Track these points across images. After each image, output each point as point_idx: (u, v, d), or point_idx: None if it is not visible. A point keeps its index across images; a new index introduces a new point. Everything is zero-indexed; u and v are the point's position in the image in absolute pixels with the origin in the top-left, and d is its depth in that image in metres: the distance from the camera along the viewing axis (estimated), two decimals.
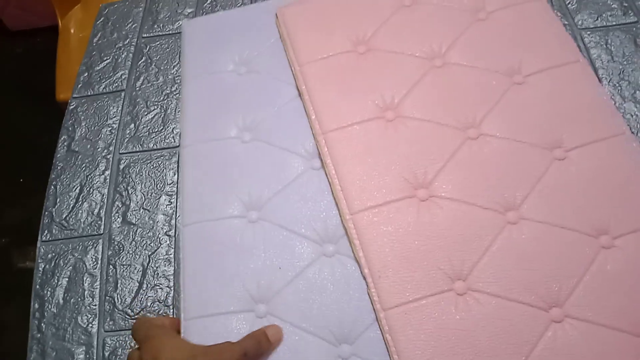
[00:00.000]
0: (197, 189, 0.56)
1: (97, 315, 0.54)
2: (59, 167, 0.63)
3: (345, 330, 0.47)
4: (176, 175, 0.60)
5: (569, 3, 0.66)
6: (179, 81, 0.67)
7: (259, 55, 0.65)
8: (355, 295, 0.49)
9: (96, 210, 0.59)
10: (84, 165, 0.63)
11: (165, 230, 0.57)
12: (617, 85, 0.59)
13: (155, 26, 0.74)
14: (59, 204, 0.60)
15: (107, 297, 0.54)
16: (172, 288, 0.54)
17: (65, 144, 0.65)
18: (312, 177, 0.55)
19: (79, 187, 0.61)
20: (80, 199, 0.60)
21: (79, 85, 0.70)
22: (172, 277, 0.54)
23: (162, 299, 0.53)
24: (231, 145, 0.58)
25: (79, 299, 0.55)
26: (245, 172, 0.56)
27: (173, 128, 0.64)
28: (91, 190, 0.61)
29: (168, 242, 0.56)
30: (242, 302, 0.50)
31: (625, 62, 0.60)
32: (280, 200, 0.54)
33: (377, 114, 0.57)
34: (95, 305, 0.54)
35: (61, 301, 0.55)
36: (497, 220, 0.50)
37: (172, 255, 0.55)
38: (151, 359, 0.40)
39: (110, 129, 0.65)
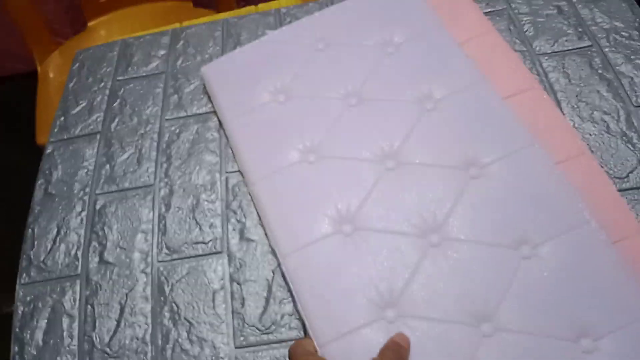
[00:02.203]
0: (283, 219, 0.56)
1: (77, 355, 0.54)
2: (36, 210, 0.64)
3: (480, 308, 0.48)
4: (151, 213, 0.61)
5: (526, 30, 0.69)
6: (152, 121, 0.69)
7: (292, 81, 0.66)
8: (477, 273, 0.50)
9: (73, 251, 0.60)
10: (60, 207, 0.64)
11: (142, 268, 0.58)
12: (575, 106, 0.61)
13: (129, 69, 0.76)
14: (36, 247, 0.61)
15: (86, 337, 0.54)
16: (150, 325, 0.54)
17: (43, 187, 0.66)
18: (391, 179, 0.56)
19: (55, 229, 0.62)
20: (57, 241, 0.61)
21: (55, 130, 0.71)
22: (149, 314, 0.55)
23: (140, 336, 0.54)
24: (299, 169, 0.59)
25: (58, 340, 0.55)
26: (324, 190, 0.56)
27: (147, 167, 0.65)
28: (68, 231, 0.61)
29: (145, 279, 0.57)
30: (369, 312, 0.49)
31: (582, 84, 0.63)
32: (368, 207, 0.55)
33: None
34: (75, 345, 0.54)
35: (40, 343, 0.55)
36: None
37: (149, 292, 0.56)
38: None
39: (86, 170, 0.66)
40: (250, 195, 0.60)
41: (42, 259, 0.60)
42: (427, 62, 0.65)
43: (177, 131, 0.68)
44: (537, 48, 0.67)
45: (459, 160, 0.56)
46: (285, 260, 0.54)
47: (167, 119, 0.69)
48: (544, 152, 0.55)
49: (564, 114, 0.61)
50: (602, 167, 0.55)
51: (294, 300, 0.52)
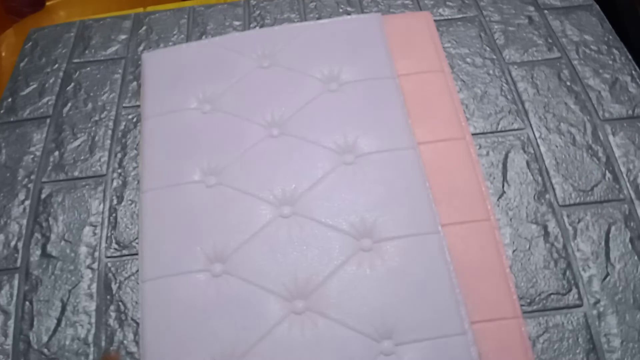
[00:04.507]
0: (158, 240, 0.53)
1: (10, 355, 0.50)
2: None
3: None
4: (102, 205, 0.58)
5: (497, 39, 0.69)
6: (108, 108, 0.65)
7: (224, 93, 0.64)
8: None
9: (13, 243, 0.56)
10: (2, 194, 0.59)
11: (88, 263, 0.54)
12: (542, 117, 0.61)
13: (87, 52, 0.72)
14: None
15: (22, 336, 0.51)
16: (93, 325, 0.51)
17: None
18: (281, 226, 0.53)
19: None
20: None
21: (1, 111, 0.66)
22: (93, 312, 0.51)
23: (82, 336, 0.50)
24: (195, 190, 0.56)
25: None
26: (209, 221, 0.54)
27: (100, 156, 0.61)
28: (8, 221, 0.57)
29: (91, 275, 0.53)
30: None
31: (550, 96, 0.63)
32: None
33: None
34: (9, 345, 0.50)
35: None
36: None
37: (94, 290, 0.53)
38: None
39: (32, 156, 0.62)
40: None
41: None
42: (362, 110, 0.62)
43: (135, 120, 0.64)
44: (507, 57, 0.67)
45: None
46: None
47: (124, 107, 0.65)
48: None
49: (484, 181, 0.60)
50: (506, 237, 0.54)
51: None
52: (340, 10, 0.73)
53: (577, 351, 0.47)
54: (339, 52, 0.66)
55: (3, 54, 1.10)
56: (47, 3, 1.17)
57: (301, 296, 0.49)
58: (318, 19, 0.72)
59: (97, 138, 0.63)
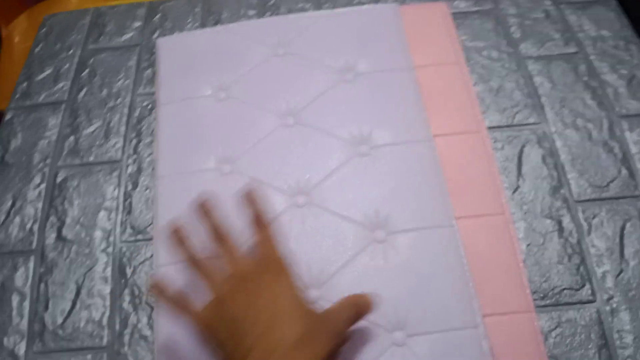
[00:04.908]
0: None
1: (26, 335, 0.50)
2: None
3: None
4: (116, 190, 0.58)
5: (513, 32, 0.68)
6: (123, 94, 0.66)
7: (238, 80, 0.64)
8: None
9: (29, 225, 0.56)
10: (17, 177, 0.60)
11: (102, 247, 0.55)
12: (559, 112, 0.61)
13: (101, 38, 0.72)
14: None
15: (37, 317, 0.51)
16: (108, 308, 0.51)
17: None
18: (295, 216, 0.54)
19: (10, 201, 0.58)
20: (11, 213, 0.57)
21: (17, 96, 0.67)
22: (108, 296, 0.52)
23: (96, 319, 0.51)
24: (210, 178, 0.57)
25: (6, 319, 0.51)
26: (224, 210, 0.54)
27: (115, 142, 0.62)
28: (24, 204, 0.58)
29: (105, 259, 0.54)
30: None
31: (566, 90, 0.62)
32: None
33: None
34: (24, 325, 0.51)
35: None
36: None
37: (109, 274, 0.53)
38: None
39: (47, 141, 0.62)
40: None
41: None
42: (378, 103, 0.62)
43: (150, 107, 0.64)
44: (523, 51, 0.66)
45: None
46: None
47: (138, 94, 0.66)
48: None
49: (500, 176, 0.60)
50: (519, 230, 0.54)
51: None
52: (355, 2, 0.72)
53: (589, 346, 0.47)
54: (355, 42, 0.66)
55: (16, 39, 1.10)
56: None
57: (314, 286, 0.49)
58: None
59: (112, 124, 0.63)
